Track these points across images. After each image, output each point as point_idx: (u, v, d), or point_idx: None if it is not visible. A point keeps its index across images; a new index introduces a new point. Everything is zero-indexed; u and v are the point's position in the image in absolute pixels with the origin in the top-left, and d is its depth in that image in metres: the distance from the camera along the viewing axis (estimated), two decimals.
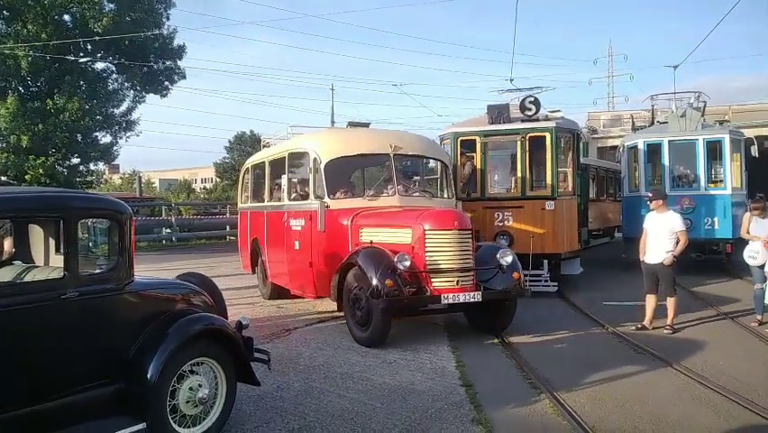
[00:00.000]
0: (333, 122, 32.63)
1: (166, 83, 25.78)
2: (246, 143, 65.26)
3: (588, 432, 4.33)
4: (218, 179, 64.06)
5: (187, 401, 4.08)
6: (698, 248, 12.24)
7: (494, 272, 7.15)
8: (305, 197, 8.54)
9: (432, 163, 9.89)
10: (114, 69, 24.86)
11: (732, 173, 12.88)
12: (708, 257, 12.90)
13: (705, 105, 14.35)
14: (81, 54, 23.72)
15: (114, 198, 4.24)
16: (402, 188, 8.45)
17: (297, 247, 8.55)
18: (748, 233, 8.14)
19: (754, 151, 13.57)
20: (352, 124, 10.27)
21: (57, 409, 3.54)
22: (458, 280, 6.79)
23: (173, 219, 23.77)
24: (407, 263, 6.67)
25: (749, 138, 14.01)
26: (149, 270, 11.38)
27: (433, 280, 6.78)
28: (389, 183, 8.55)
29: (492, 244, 8.05)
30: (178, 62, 25.60)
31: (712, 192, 12.76)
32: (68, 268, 3.61)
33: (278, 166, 9.76)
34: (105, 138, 25.40)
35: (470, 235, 7.03)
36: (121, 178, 58.53)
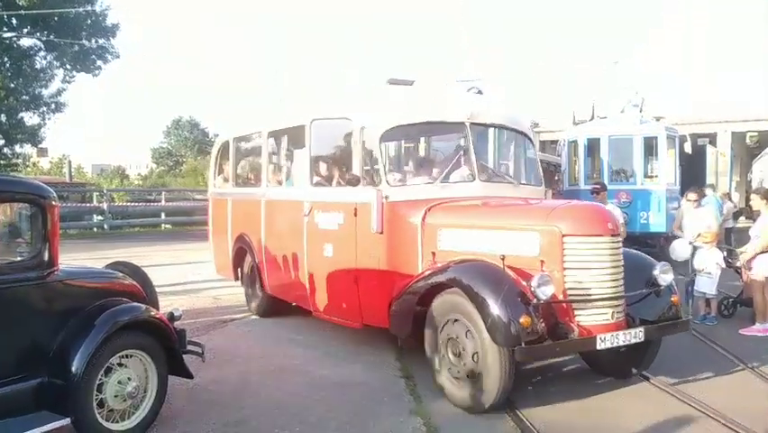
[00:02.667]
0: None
1: (98, 62, 24.74)
2: (184, 128, 63.69)
3: (526, 423, 4.40)
4: (154, 165, 62.21)
5: (116, 395, 3.93)
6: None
7: (642, 295, 5.10)
8: (351, 182, 5.75)
9: (507, 137, 7.08)
10: (42, 46, 23.65)
11: (666, 169, 13.41)
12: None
13: (643, 102, 14.88)
14: (5, 29, 22.42)
15: (35, 181, 4.00)
16: (483, 172, 6.14)
17: (328, 254, 6.11)
18: (680, 228, 8.43)
19: (688, 147, 14.17)
20: (393, 83, 7.81)
21: None
22: (613, 313, 4.74)
23: (105, 206, 22.85)
24: (550, 290, 4.45)
25: (683, 135, 14.62)
26: (78, 258, 10.89)
27: (576, 312, 4.68)
28: (464, 164, 6.19)
29: (637, 254, 5.52)
30: (112, 40, 24.61)
31: (648, 187, 13.22)
32: None
33: (290, 139, 7.44)
34: (31, 119, 24.19)
35: (621, 244, 5.00)
36: (50, 162, 55.99)
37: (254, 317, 7.95)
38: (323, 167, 6.67)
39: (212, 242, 9.43)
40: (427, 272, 5.18)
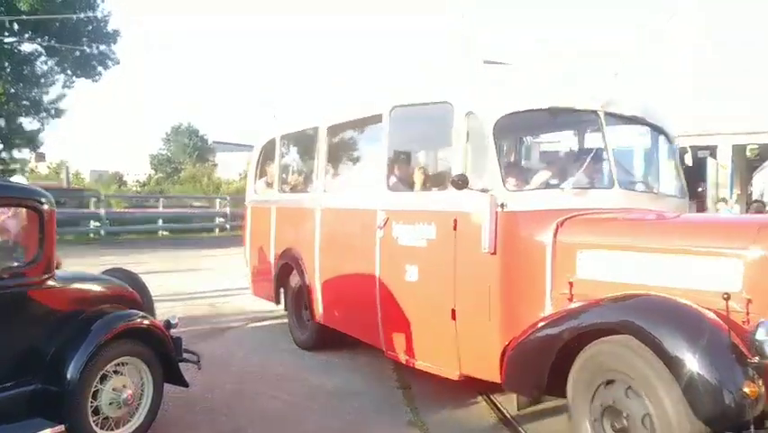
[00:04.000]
0: (275, 116, 32.08)
1: (99, 68, 24.77)
2: (183, 135, 63.73)
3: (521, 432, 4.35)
4: (152, 172, 62.18)
5: (111, 403, 3.89)
6: None
7: None
8: (457, 183, 4.17)
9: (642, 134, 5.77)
10: (43, 51, 23.68)
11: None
12: None
13: None
14: (6, 34, 22.45)
15: (33, 186, 3.99)
16: (623, 176, 4.90)
17: (411, 278, 4.79)
18: None
19: (688, 159, 14.20)
20: (490, 63, 6.01)
21: None
22: None
23: (102, 212, 22.79)
24: None
25: (683, 147, 14.64)
26: (74, 264, 10.86)
27: None
28: (598, 165, 4.96)
29: None
30: (112, 47, 24.66)
31: None
32: None
33: (358, 133, 6.42)
34: (31, 124, 24.18)
35: None
36: (48, 167, 55.96)
37: (253, 325, 7.89)
38: (403, 167, 5.50)
39: (248, 257, 8.00)
40: (569, 310, 3.83)
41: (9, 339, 3.57)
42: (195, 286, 11.04)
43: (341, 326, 6.00)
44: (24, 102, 22.69)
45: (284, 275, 6.88)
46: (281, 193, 7.28)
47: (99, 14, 23.94)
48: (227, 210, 28.67)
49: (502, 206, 4.16)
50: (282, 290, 7.05)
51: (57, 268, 5.09)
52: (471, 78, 5.06)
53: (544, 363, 3.73)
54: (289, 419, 4.58)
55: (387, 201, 5.16)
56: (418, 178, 5.43)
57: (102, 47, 24.38)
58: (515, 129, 5.76)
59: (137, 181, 57.07)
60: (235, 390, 5.25)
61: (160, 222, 24.84)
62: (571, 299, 3.95)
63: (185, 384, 4.42)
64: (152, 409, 4.14)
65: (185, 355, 4.55)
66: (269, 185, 7.61)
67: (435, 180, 5.29)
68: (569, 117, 5.19)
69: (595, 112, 4.77)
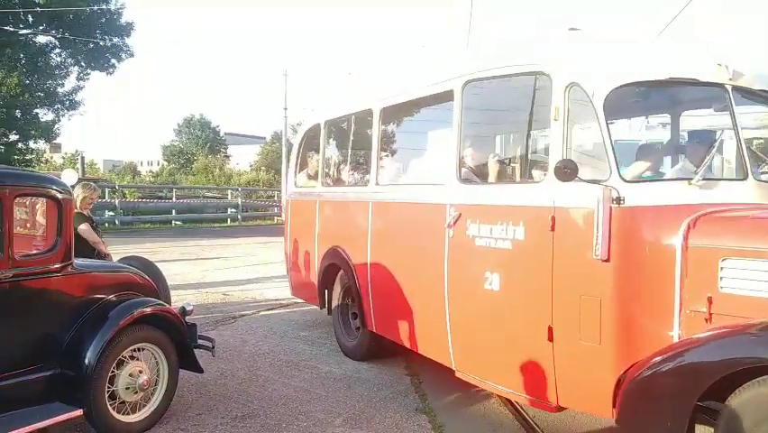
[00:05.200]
0: (285, 108, 32.19)
1: (112, 60, 24.97)
2: (195, 127, 64.04)
3: (530, 423, 4.43)
4: (165, 162, 62.53)
5: (127, 388, 3.99)
6: None
7: None
8: (563, 172, 3.36)
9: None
10: (57, 43, 23.90)
11: None
12: None
13: None
14: (21, 26, 22.68)
15: (53, 176, 4.09)
16: (756, 165, 3.97)
17: (492, 286, 4.00)
18: None
19: None
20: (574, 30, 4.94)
21: None
22: None
23: (117, 202, 23.04)
24: None
25: None
26: None
27: None
28: (719, 152, 4.14)
29: None
30: (126, 39, 24.85)
31: None
32: (2, 248, 3.46)
33: (420, 114, 5.66)
34: (46, 116, 24.45)
35: None
36: (63, 157, 56.43)
37: (265, 313, 8.01)
38: (478, 154, 4.77)
39: (288, 255, 7.38)
40: (718, 335, 3.01)
41: (28, 325, 3.69)
42: (207, 275, 11.20)
43: (398, 337, 5.19)
44: (39, 93, 22.92)
45: (329, 276, 6.24)
46: (326, 186, 6.64)
47: (112, 7, 24.11)
48: (239, 201, 28.89)
49: (618, 200, 3.34)
50: (327, 293, 6.37)
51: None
52: (580, 42, 3.98)
53: (685, 404, 2.91)
54: (300, 405, 4.67)
55: (458, 195, 4.34)
56: (496, 167, 4.64)
57: (115, 39, 24.59)
58: (624, 103, 4.41)
59: (150, 172, 57.44)
60: (247, 376, 5.36)
61: (173, 212, 25.09)
62: (710, 320, 3.17)
63: (199, 370, 4.52)
64: (168, 394, 4.25)
65: (199, 342, 4.66)
66: (312, 177, 6.96)
67: (523, 170, 4.54)
68: (688, 92, 4.26)
69: (722, 86, 3.82)
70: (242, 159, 62.60)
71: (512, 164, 4.88)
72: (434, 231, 4.50)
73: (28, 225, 4.25)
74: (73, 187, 6.76)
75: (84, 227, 5.62)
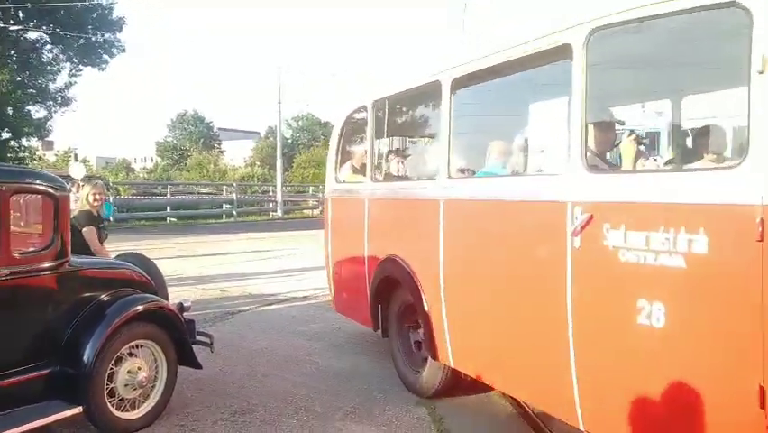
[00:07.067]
0: (279, 102, 32.11)
1: (104, 56, 24.85)
2: (189, 123, 63.82)
3: (530, 415, 4.44)
4: (158, 159, 62.34)
5: (126, 385, 3.98)
6: None
7: None
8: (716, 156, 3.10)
9: None
10: (48, 39, 23.75)
11: None
12: None
13: None
14: (12, 22, 22.50)
15: (49, 173, 4.07)
16: None
17: (653, 321, 2.74)
18: None
19: None
20: None
21: None
22: None
23: (111, 199, 22.96)
24: None
25: None
26: None
27: None
28: None
29: None
30: (118, 35, 24.71)
31: None
32: None
33: (517, 80, 4.09)
34: (38, 112, 24.33)
35: None
36: (55, 155, 56.20)
37: (263, 308, 8.00)
38: (603, 132, 3.64)
39: (330, 264, 6.20)
40: None
41: (26, 323, 3.67)
42: (204, 271, 11.17)
43: (489, 377, 4.09)
44: (31, 90, 22.79)
45: (384, 292, 5.12)
46: (377, 181, 5.46)
47: (104, 2, 23.96)
48: (234, 197, 28.83)
49: None
50: (381, 311, 5.25)
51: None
52: None
53: None
54: (300, 399, 4.67)
55: (586, 188, 3.10)
56: (633, 148, 3.52)
57: (107, 35, 24.45)
58: None
59: (144, 168, 57.25)
60: (246, 371, 5.35)
61: (168, 209, 25.02)
62: None
63: (198, 366, 4.51)
64: (167, 391, 4.24)
65: (198, 338, 4.66)
66: (359, 170, 5.88)
67: (697, 149, 3.44)
68: None
69: None
70: (236, 154, 62.49)
71: (677, 141, 3.52)
72: (545, 239, 3.36)
73: (23, 222, 4.22)
74: (82, 181, 6.57)
75: (87, 231, 5.31)
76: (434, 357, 4.50)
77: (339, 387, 4.98)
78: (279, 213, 30.34)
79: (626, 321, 2.87)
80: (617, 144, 3.64)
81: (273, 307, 8.16)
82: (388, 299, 5.16)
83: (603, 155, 3.64)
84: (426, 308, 4.49)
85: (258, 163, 52.26)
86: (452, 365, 4.32)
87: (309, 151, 55.57)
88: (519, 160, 4.21)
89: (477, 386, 4.50)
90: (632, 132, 3.53)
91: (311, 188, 39.50)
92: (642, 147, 3.62)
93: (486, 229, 3.96)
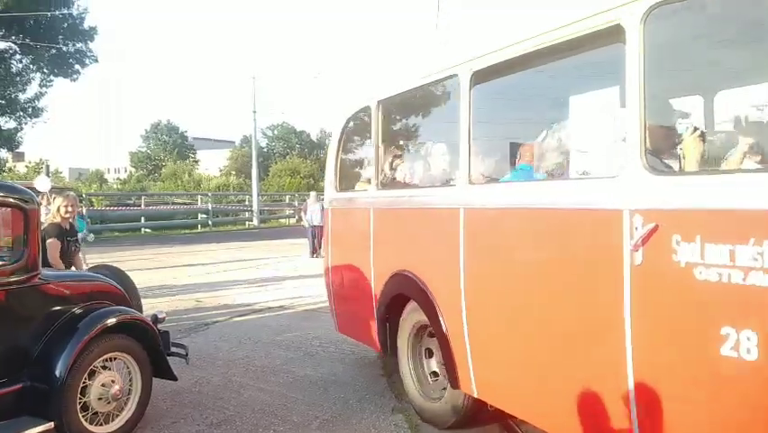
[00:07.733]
0: (254, 111, 31.98)
1: (76, 66, 24.52)
2: (162, 132, 63.24)
3: (506, 419, 4.46)
4: (132, 169, 61.62)
5: (99, 398, 3.95)
6: None
7: None
8: None
9: None
10: (17, 49, 23.36)
11: None
12: None
13: None
14: None
15: (17, 185, 4.01)
16: None
17: (741, 352, 2.25)
18: None
19: None
20: None
21: None
22: None
23: (84, 210, 22.63)
24: None
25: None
26: None
27: None
28: None
29: None
30: (89, 44, 24.42)
31: None
32: None
33: (551, 70, 3.54)
34: (7, 123, 23.89)
35: None
36: (26, 166, 55.25)
37: (238, 318, 7.95)
38: (662, 130, 3.08)
39: (331, 281, 5.74)
40: None
41: None
42: (179, 282, 11.07)
43: (523, 410, 3.58)
44: (0, 101, 22.39)
45: (394, 310, 4.68)
46: (384, 188, 4.91)
47: (75, 12, 23.68)
48: (209, 206, 28.62)
49: None
50: (389, 332, 4.83)
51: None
52: None
53: None
54: (276, 410, 4.65)
55: (647, 194, 2.61)
56: (699, 146, 2.98)
57: (78, 45, 24.15)
58: None
59: (118, 179, 56.55)
60: (222, 382, 5.32)
61: (143, 219, 24.73)
62: None
63: (173, 378, 4.48)
64: (141, 403, 4.20)
65: (173, 349, 4.63)
66: (362, 177, 5.56)
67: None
68: None
69: None
70: (210, 163, 62.02)
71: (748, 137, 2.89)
72: (596, 253, 2.87)
73: None
74: (47, 193, 6.47)
75: (50, 243, 5.20)
76: (455, 385, 4.00)
77: (316, 396, 4.97)
78: (256, 222, 30.18)
79: (706, 352, 2.39)
80: (680, 142, 3.06)
81: (249, 317, 8.11)
82: (398, 319, 4.69)
83: (664, 154, 3.02)
84: (445, 330, 3.99)
85: (233, 173, 51.92)
86: (476, 395, 3.82)
87: (285, 159, 55.45)
88: (557, 161, 3.53)
89: (499, 414, 3.91)
90: (696, 128, 3.04)
91: (287, 196, 39.38)
92: (703, 142, 3.05)
93: (517, 242, 3.44)
